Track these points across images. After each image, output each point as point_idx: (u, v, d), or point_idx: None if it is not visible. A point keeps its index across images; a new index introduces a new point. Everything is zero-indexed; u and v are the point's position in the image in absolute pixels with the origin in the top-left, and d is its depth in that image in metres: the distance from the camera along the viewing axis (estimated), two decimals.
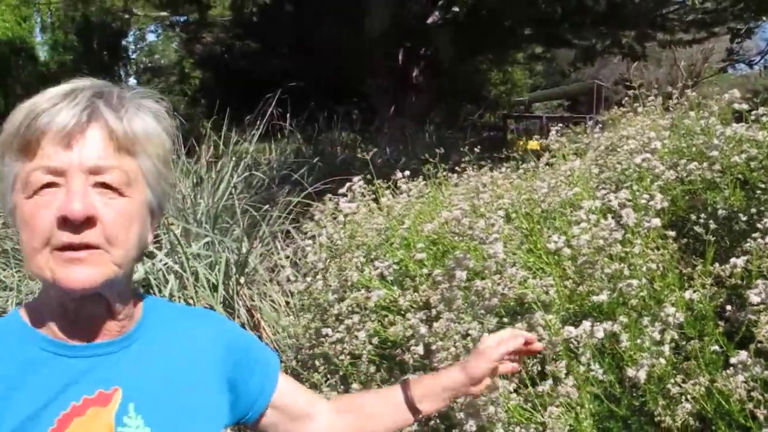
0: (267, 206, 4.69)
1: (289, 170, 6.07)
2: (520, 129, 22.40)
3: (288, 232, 4.80)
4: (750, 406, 1.21)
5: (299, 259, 4.45)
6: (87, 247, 0.93)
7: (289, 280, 3.83)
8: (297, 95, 6.35)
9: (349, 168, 6.27)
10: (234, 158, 5.24)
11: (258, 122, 6.04)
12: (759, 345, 1.35)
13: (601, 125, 3.84)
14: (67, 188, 0.93)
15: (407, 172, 2.67)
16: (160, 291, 3.67)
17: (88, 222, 0.92)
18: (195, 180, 4.99)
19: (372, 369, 1.94)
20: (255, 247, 4.30)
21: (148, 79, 32.26)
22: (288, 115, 7.39)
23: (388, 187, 2.65)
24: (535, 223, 1.92)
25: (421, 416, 1.32)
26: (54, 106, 0.94)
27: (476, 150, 3.35)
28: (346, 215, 2.40)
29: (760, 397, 1.21)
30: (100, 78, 1.05)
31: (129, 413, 1.00)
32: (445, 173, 3.08)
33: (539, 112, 26.90)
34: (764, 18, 11.72)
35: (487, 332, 1.58)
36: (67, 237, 0.92)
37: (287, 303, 3.97)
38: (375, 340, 1.90)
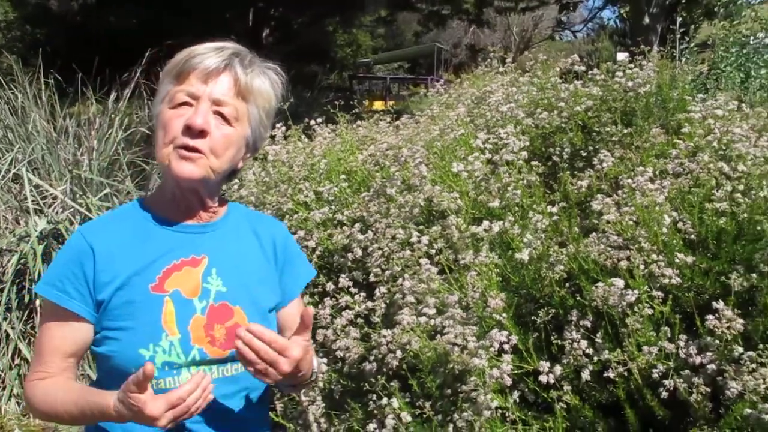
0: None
1: None
2: (362, 90, 22.95)
3: None
4: (602, 260, 1.83)
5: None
6: (195, 150, 1.30)
7: None
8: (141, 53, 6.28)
9: None
10: (111, 116, 5.37)
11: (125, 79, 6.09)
12: (602, 230, 1.99)
13: (447, 84, 4.42)
14: (196, 108, 1.31)
15: (320, 119, 3.12)
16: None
17: (202, 133, 1.30)
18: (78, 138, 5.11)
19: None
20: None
21: None
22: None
23: (302, 133, 3.08)
24: (443, 153, 2.46)
25: None
26: (206, 53, 1.33)
27: (356, 107, 3.81)
28: (272, 155, 2.81)
29: (607, 254, 1.84)
30: None
31: (212, 275, 1.39)
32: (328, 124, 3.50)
33: (381, 74, 27.66)
34: None
35: (418, 234, 2.10)
36: (185, 140, 1.30)
37: None
38: (319, 250, 2.36)
